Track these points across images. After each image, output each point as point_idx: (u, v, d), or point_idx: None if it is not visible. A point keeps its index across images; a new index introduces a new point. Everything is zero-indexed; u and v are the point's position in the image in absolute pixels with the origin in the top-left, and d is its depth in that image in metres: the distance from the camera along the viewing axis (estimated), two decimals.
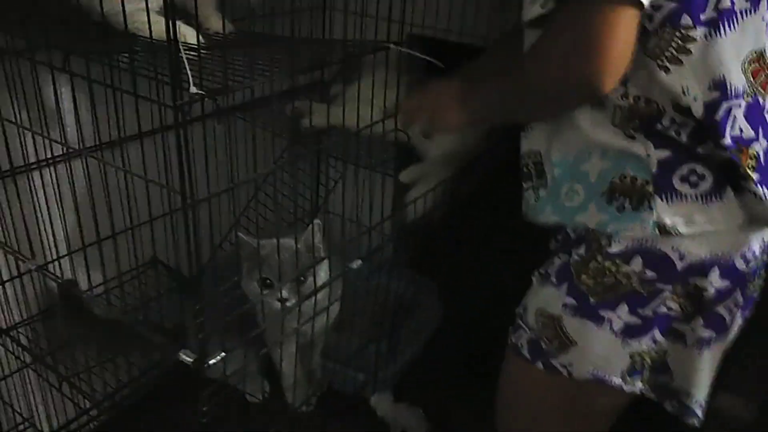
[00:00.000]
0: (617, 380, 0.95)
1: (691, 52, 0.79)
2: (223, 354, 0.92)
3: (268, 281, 1.13)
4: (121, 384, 1.40)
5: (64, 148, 1.21)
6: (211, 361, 0.91)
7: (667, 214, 0.85)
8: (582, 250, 0.93)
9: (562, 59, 0.80)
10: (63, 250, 1.35)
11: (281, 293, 1.11)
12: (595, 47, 0.76)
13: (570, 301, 0.94)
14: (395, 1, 1.07)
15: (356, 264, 1.15)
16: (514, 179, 1.20)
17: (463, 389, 1.77)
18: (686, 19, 0.78)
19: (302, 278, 1.13)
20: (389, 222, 1.27)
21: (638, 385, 0.97)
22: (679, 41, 0.79)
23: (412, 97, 1.15)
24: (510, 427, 1.15)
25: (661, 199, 0.85)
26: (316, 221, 1.14)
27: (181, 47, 0.69)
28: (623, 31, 0.75)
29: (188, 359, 0.91)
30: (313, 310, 1.14)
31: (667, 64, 0.81)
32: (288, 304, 1.11)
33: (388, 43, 1.09)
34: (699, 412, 0.96)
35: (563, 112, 0.90)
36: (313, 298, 1.12)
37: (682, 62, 0.80)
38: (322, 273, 1.17)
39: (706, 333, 0.91)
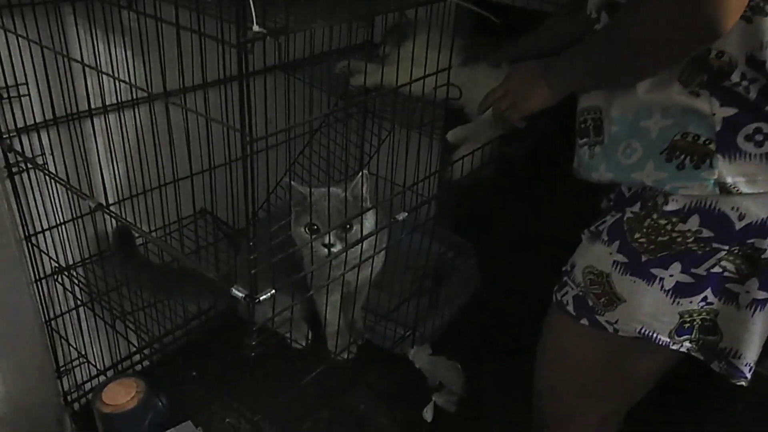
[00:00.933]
0: (665, 338, 0.95)
1: None
2: (272, 291, 0.95)
3: (315, 227, 1.16)
4: (172, 326, 1.47)
5: (134, 92, 1.25)
6: (262, 297, 0.94)
7: (729, 173, 0.84)
8: (636, 208, 0.92)
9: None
10: (121, 196, 1.41)
11: (328, 238, 1.13)
12: None
13: (621, 258, 0.94)
14: None
15: (402, 216, 1.17)
16: (564, 142, 1.20)
17: (499, 352, 1.80)
18: None
19: (348, 226, 1.15)
20: (434, 180, 1.28)
21: (686, 345, 0.96)
22: None
23: (495, 89, 1.15)
24: (551, 384, 1.17)
25: (724, 158, 0.84)
26: (364, 171, 1.16)
27: None
28: None
29: (240, 294, 0.95)
30: (359, 259, 1.17)
31: (750, 14, 0.78)
32: (334, 250, 1.14)
33: None
34: (747, 373, 0.95)
35: (673, 62, 0.85)
36: (359, 246, 1.15)
37: (766, 13, 0.78)
38: (368, 223, 1.19)
39: (761, 294, 0.90)
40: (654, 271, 0.91)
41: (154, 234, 1.47)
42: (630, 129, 0.92)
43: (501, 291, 1.85)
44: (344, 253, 1.14)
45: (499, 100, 1.13)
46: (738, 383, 0.96)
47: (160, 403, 1.31)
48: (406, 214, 1.19)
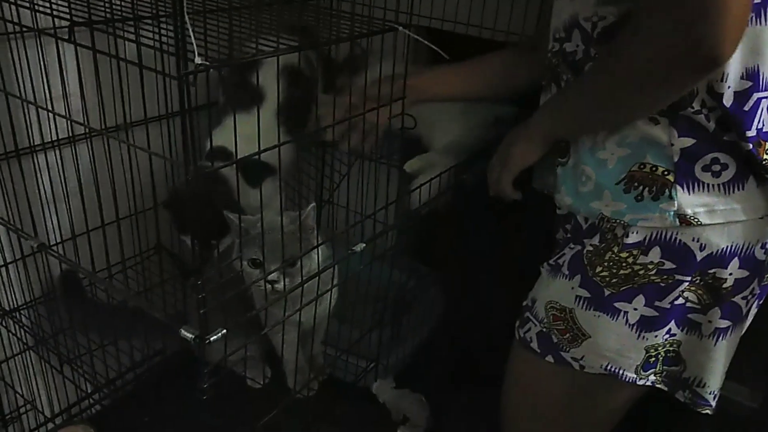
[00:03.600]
0: (631, 374, 0.93)
1: None
2: (224, 330, 0.91)
3: (259, 261, 1.11)
4: (122, 368, 1.41)
5: (70, 127, 1.21)
6: (213, 338, 0.90)
7: (689, 204, 0.83)
8: (596, 241, 0.91)
9: (676, 26, 0.71)
10: (66, 234, 1.36)
11: (271, 274, 1.08)
12: (717, 5, 0.67)
13: (584, 292, 0.92)
14: None
15: (359, 247, 1.15)
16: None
17: (464, 381, 1.77)
18: None
19: (291, 262, 1.10)
20: (392, 211, 1.27)
21: (651, 378, 0.95)
22: None
23: (490, 165, 1.13)
24: (518, 421, 1.13)
25: (683, 189, 0.83)
26: (313, 203, 1.13)
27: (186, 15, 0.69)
28: None
29: (189, 335, 0.90)
30: (316, 293, 1.13)
31: None
32: (278, 286, 1.10)
33: (396, 24, 1.09)
34: (712, 401, 0.95)
35: (668, 99, 0.80)
36: (312, 282, 1.11)
37: None
38: (316, 258, 1.15)
39: (723, 323, 0.89)
40: (618, 305, 0.90)
41: (104, 272, 1.42)
42: (587, 157, 0.91)
43: (465, 318, 1.84)
44: (300, 289, 1.11)
45: (495, 170, 1.11)
46: (703, 412, 0.95)
47: None
48: (364, 245, 1.17)
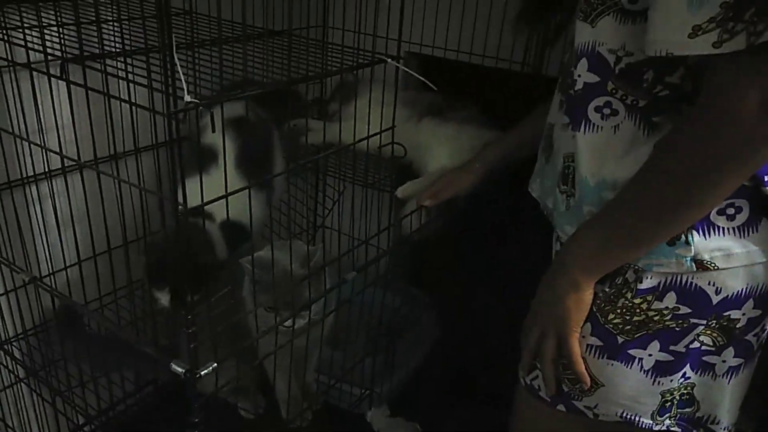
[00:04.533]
0: (648, 421, 0.90)
1: None
2: (214, 365, 0.91)
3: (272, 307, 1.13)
4: (115, 400, 1.39)
5: (64, 161, 1.22)
6: (203, 372, 0.90)
7: (706, 249, 0.80)
8: (606, 287, 0.86)
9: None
10: (59, 265, 1.35)
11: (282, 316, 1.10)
12: None
13: (595, 341, 0.88)
14: (393, 19, 1.08)
15: (351, 276, 1.15)
16: (512, 194, 1.19)
17: (460, 407, 1.76)
18: None
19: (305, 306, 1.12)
20: (385, 236, 1.27)
21: (666, 422, 0.92)
22: None
23: (527, 335, 0.94)
24: None
25: (699, 234, 0.80)
26: (321, 245, 1.15)
27: (174, 52, 0.69)
28: None
29: (179, 369, 0.90)
30: (308, 322, 1.14)
31: None
32: (287, 326, 1.11)
33: (385, 56, 1.10)
34: None
35: (737, 181, 0.73)
36: (306, 311, 1.12)
37: None
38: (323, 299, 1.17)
39: (736, 361, 0.87)
40: (632, 352, 0.86)
41: (97, 303, 1.41)
42: (592, 196, 0.86)
43: (461, 338, 1.83)
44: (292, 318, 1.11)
45: (540, 343, 0.92)
46: None
47: None
48: (355, 273, 1.17)
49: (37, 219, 1.30)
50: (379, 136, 1.15)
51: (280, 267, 1.11)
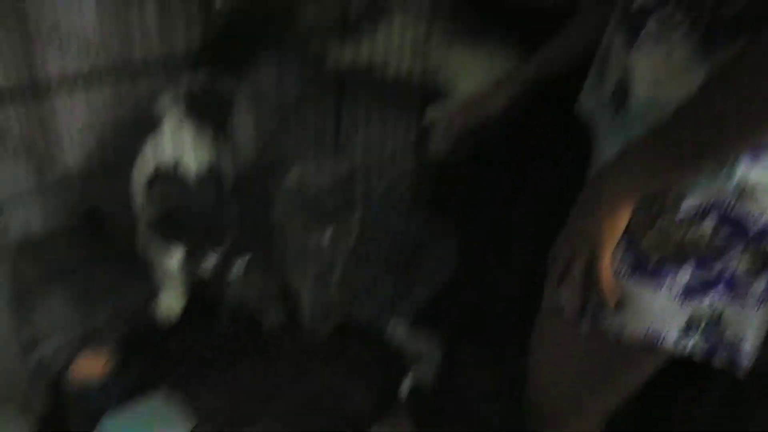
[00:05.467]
0: (671, 342, 0.91)
1: None
2: (247, 257, 0.94)
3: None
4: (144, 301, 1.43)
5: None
6: (234, 267, 0.92)
7: (752, 173, 0.80)
8: (645, 208, 0.85)
9: None
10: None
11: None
12: None
13: (627, 262, 0.88)
14: None
15: (380, 187, 1.17)
16: (546, 118, 1.16)
17: (476, 333, 1.80)
18: None
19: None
20: (409, 156, 1.27)
21: (690, 345, 0.92)
22: None
23: (556, 256, 0.95)
24: (546, 384, 1.12)
25: (745, 162, 0.79)
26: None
27: None
28: None
29: (211, 264, 0.93)
30: (333, 233, 1.16)
31: None
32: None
33: None
34: (747, 364, 0.93)
35: None
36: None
37: None
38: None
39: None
40: (664, 273, 0.86)
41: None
42: (644, 117, 0.84)
43: (478, 272, 1.86)
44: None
45: (570, 262, 0.91)
46: (738, 374, 0.94)
47: (131, 375, 1.29)
48: (385, 185, 1.18)
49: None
50: (406, 57, 1.13)
51: (310, 179, 1.13)
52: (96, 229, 1.42)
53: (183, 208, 1.00)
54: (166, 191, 1.01)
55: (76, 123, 1.25)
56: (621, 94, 0.87)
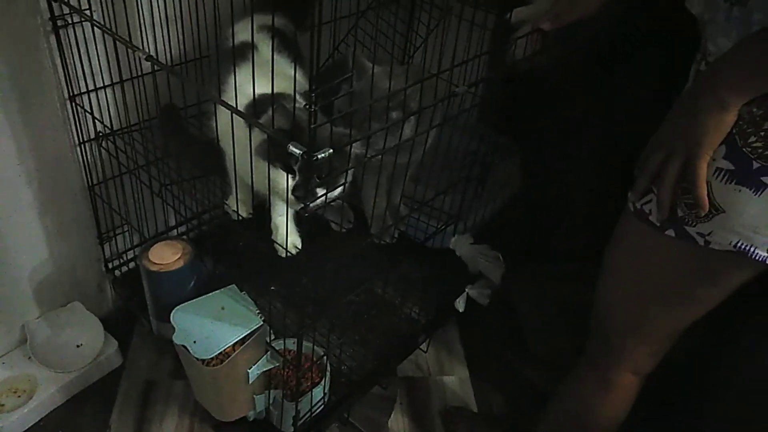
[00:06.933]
0: (762, 253, 0.86)
1: None
2: (330, 150, 0.92)
3: None
4: (214, 200, 1.44)
5: None
6: (320, 155, 0.91)
7: None
8: (754, 107, 0.80)
9: None
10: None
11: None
12: None
13: (726, 165, 0.83)
14: None
15: (462, 89, 1.12)
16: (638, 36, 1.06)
17: (537, 254, 1.78)
18: None
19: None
20: (485, 60, 1.20)
21: None
22: None
23: (645, 156, 0.91)
24: (620, 295, 1.08)
25: None
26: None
27: None
28: None
29: (297, 151, 0.92)
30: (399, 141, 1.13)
31: None
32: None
33: None
34: None
35: None
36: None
37: None
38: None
39: None
40: (765, 179, 0.81)
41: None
42: (765, 4, 0.78)
43: (541, 194, 1.82)
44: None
45: (665, 164, 0.87)
46: None
47: (205, 266, 1.32)
48: (466, 87, 1.13)
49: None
50: None
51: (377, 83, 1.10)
52: (173, 126, 1.43)
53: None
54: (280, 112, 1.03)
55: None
56: None
